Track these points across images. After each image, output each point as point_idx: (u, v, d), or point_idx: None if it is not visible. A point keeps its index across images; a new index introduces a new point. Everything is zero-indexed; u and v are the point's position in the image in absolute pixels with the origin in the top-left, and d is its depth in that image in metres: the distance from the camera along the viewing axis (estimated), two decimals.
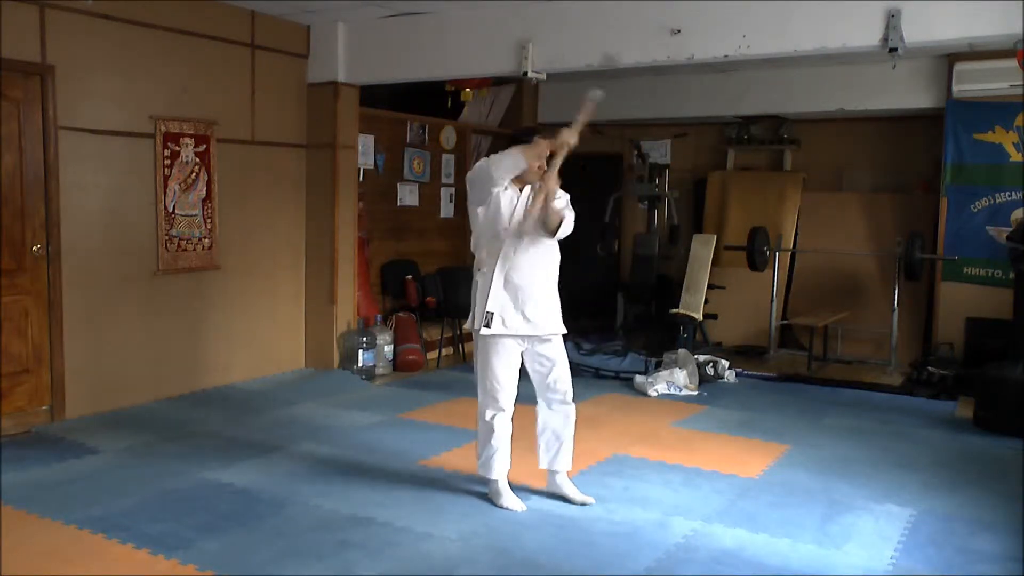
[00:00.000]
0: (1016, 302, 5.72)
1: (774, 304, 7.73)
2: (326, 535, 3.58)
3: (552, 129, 3.92)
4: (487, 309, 3.79)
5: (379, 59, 6.43)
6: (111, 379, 5.49)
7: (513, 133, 3.96)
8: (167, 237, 5.74)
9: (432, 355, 7.22)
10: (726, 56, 5.26)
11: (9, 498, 3.91)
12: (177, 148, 5.76)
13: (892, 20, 4.68)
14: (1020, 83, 6.45)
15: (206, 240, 6.01)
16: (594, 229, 8.41)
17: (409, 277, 7.53)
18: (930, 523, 3.87)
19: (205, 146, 5.94)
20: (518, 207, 3.81)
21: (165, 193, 5.72)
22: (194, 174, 5.90)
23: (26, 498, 3.92)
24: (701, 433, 5.32)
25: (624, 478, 4.39)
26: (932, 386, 6.52)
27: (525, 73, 5.76)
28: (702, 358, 6.77)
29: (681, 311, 7.41)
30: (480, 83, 8.02)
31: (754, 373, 7.07)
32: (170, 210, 5.75)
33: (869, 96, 7.49)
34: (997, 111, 6.84)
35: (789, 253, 8.14)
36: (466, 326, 4.04)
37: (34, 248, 5.08)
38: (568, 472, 4.07)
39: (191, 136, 5.84)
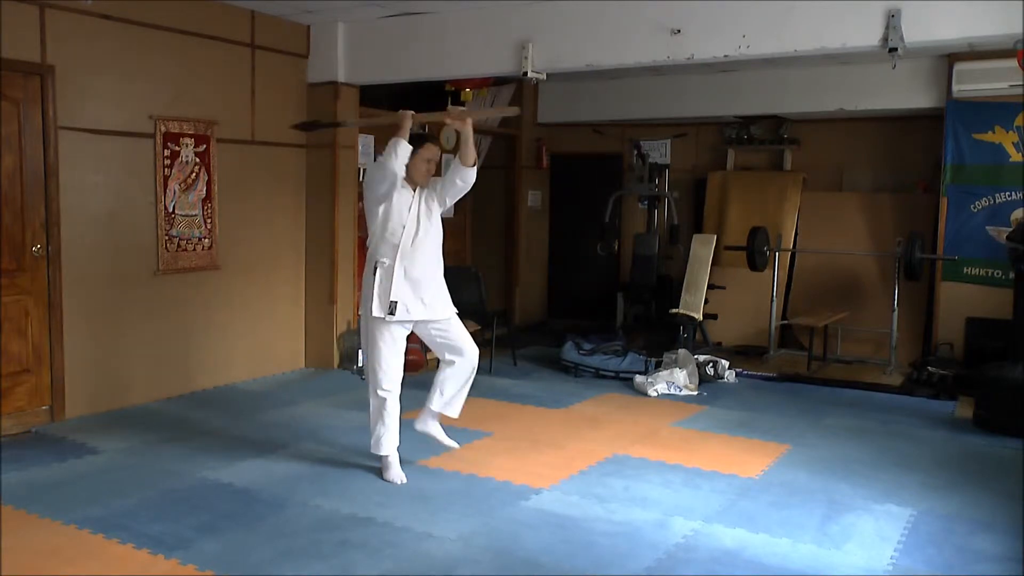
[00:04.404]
0: (1016, 302, 5.71)
1: (774, 304, 7.73)
2: (326, 535, 3.58)
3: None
4: (392, 298, 4.19)
5: (379, 59, 6.43)
6: (111, 379, 5.49)
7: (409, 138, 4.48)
8: (167, 237, 5.74)
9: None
10: (726, 56, 5.26)
11: (9, 498, 3.91)
12: (177, 148, 5.76)
13: (892, 20, 4.69)
14: (1020, 83, 6.45)
15: (206, 240, 6.01)
16: (594, 229, 8.43)
17: None
18: (930, 523, 3.87)
19: (205, 146, 5.94)
20: (412, 206, 4.25)
21: (165, 193, 5.72)
22: (194, 174, 5.90)
23: (26, 498, 3.92)
24: (701, 433, 5.32)
25: (624, 478, 4.39)
26: (932, 386, 6.52)
27: (525, 73, 5.76)
28: (702, 358, 6.76)
29: (681, 311, 7.41)
30: (480, 83, 8.01)
31: (754, 373, 7.07)
32: (170, 210, 5.75)
33: (869, 96, 7.48)
34: (997, 111, 6.84)
35: (789, 253, 8.14)
36: (360, 313, 4.37)
37: (34, 248, 5.08)
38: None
39: (191, 136, 5.84)
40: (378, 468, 4.38)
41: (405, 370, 4.37)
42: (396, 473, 4.31)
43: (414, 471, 4.44)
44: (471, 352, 4.41)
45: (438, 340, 4.40)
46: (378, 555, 3.39)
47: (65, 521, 3.67)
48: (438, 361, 4.49)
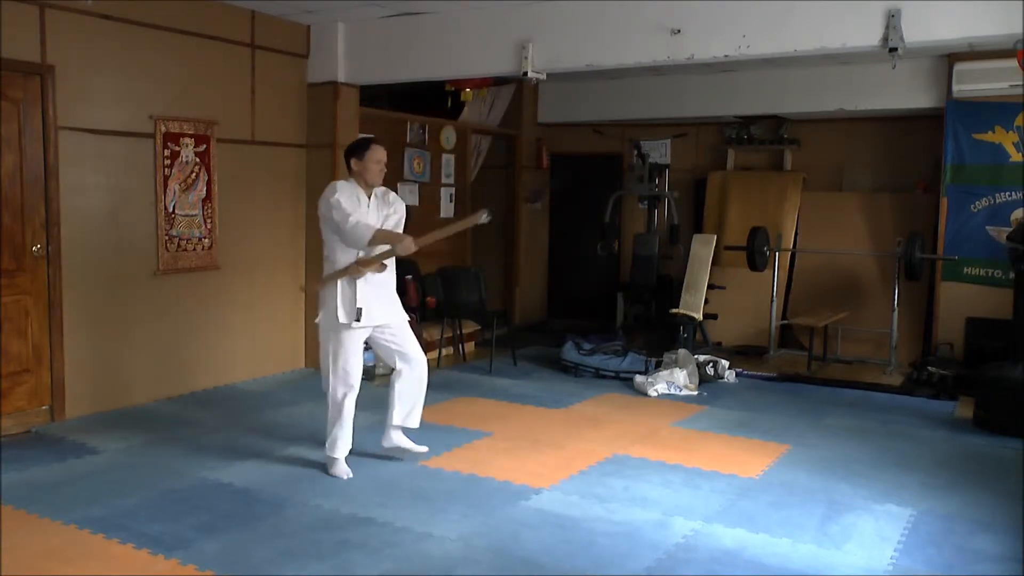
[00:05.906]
0: (1016, 302, 5.71)
1: (774, 304, 7.73)
2: (326, 535, 3.58)
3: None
4: (357, 305, 4.27)
5: (379, 59, 6.43)
6: (111, 379, 5.49)
7: (349, 146, 4.58)
8: (167, 237, 5.74)
9: (432, 355, 7.21)
10: (726, 56, 5.26)
11: (9, 498, 3.91)
12: (177, 148, 5.76)
13: (892, 20, 4.69)
14: (1020, 83, 6.45)
15: (206, 240, 6.01)
16: (594, 229, 8.43)
17: (409, 277, 7.51)
18: (930, 523, 3.87)
19: (205, 146, 5.94)
20: (369, 212, 4.37)
21: (165, 193, 5.72)
22: (194, 174, 5.90)
23: (26, 498, 3.92)
24: (701, 433, 5.32)
25: (624, 478, 4.39)
26: (932, 386, 6.52)
27: (525, 73, 5.76)
28: (702, 358, 6.76)
29: (681, 311, 7.41)
30: (480, 83, 8.02)
31: (754, 373, 7.07)
32: (170, 210, 5.75)
33: (869, 96, 7.48)
34: (997, 111, 6.84)
35: (789, 253, 8.14)
36: (319, 320, 4.42)
37: (34, 248, 5.08)
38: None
39: (191, 136, 5.84)
40: (375, 466, 4.39)
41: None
42: (343, 469, 4.35)
43: (414, 471, 4.44)
44: (421, 358, 4.51)
45: (391, 347, 4.46)
46: (378, 555, 3.39)
47: (65, 521, 3.67)
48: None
